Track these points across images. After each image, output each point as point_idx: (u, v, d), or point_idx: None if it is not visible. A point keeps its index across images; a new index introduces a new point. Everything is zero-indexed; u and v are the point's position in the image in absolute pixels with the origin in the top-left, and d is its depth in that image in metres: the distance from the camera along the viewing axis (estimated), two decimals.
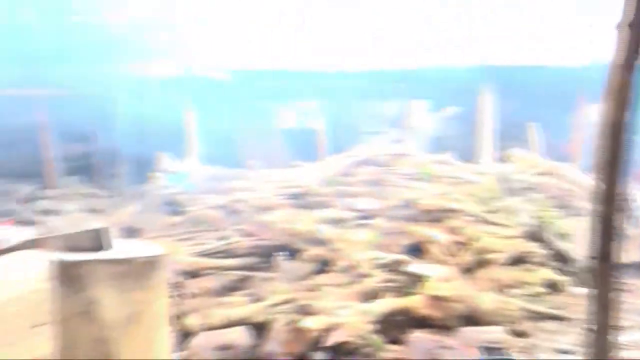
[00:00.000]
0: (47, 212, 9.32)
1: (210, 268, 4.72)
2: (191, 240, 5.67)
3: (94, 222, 9.28)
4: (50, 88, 8.97)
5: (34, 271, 4.94)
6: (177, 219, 6.36)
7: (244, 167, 8.08)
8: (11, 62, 7.38)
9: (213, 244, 5.23)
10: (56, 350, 2.52)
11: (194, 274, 4.63)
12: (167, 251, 2.65)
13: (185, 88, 9.71)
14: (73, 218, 9.47)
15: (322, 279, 4.06)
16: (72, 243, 2.55)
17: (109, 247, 2.54)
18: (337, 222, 4.95)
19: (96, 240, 2.55)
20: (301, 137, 12.18)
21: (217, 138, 9.77)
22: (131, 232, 6.26)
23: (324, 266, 4.33)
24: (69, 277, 2.38)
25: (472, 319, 3.41)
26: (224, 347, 3.23)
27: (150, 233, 5.88)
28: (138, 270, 2.37)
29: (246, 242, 4.98)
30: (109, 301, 2.34)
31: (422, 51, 9.76)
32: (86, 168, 10.69)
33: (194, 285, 4.39)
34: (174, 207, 6.65)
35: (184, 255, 4.91)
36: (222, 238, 5.38)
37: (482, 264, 4.28)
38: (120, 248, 2.58)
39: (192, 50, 9.74)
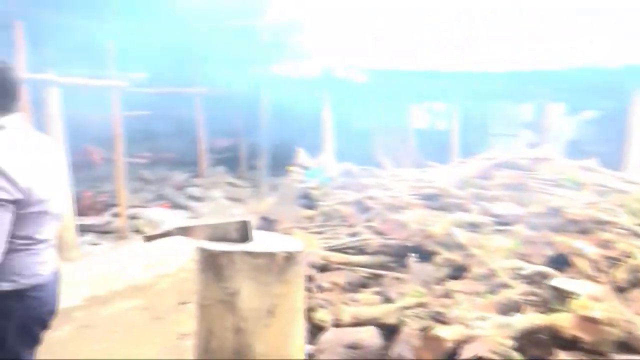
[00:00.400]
0: (196, 198, 10.24)
1: (341, 263, 4.78)
2: (323, 234, 5.81)
3: (235, 210, 9.99)
4: (205, 87, 9.80)
5: (185, 252, 5.41)
6: (310, 212, 6.57)
7: (377, 166, 8.10)
8: (173, 63, 8.18)
9: (344, 240, 5.30)
10: (196, 333, 2.70)
11: (324, 268, 4.72)
12: (303, 245, 2.72)
13: (324, 87, 9.98)
14: (217, 205, 10.28)
15: (455, 285, 3.89)
16: (219, 232, 2.72)
17: (252, 239, 2.68)
18: (473, 226, 4.72)
19: (241, 232, 2.70)
20: (432, 137, 11.93)
21: (352, 136, 9.91)
22: (268, 221, 6.58)
23: (458, 272, 4.15)
24: (212, 265, 2.54)
25: (629, 347, 3.02)
26: (353, 346, 3.24)
27: (285, 224, 6.15)
28: (278, 265, 2.46)
29: (377, 240, 4.96)
30: (249, 293, 2.46)
31: (563, 52, 8.97)
32: (231, 160, 11.55)
33: (324, 279, 4.48)
34: (308, 200, 6.88)
35: (316, 248, 5.02)
36: (353, 234, 5.43)
37: (637, 284, 3.79)
38: (262, 240, 2.70)
39: (331, 51, 9.98)
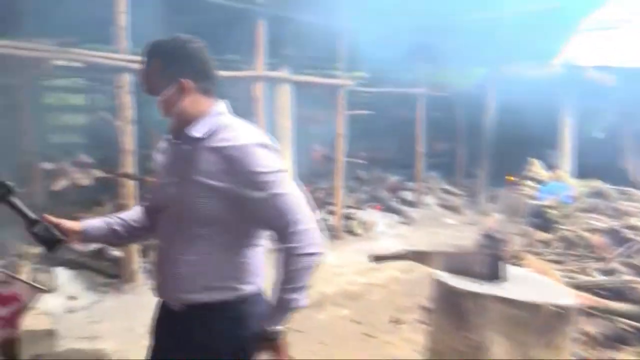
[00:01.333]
0: (408, 202, 9.86)
1: (592, 307, 3.84)
2: (562, 264, 4.85)
3: (449, 220, 9.32)
4: (429, 87, 9.35)
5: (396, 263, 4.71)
6: (545, 235, 5.63)
7: (632, 186, 6.63)
8: (399, 62, 7.90)
9: (596, 277, 4.30)
10: None
11: None
12: (575, 299, 2.03)
13: (564, 89, 8.60)
14: (430, 212, 9.75)
15: None
16: (460, 264, 2.20)
17: (504, 278, 2.10)
18: None
19: (489, 267, 2.13)
20: None
21: (598, 148, 8.36)
22: (492, 240, 5.83)
23: None
24: (453, 306, 2.01)
25: None
26: None
27: (514, 246, 5.34)
28: (543, 321, 1.83)
29: None
30: (500, 352, 1.87)
31: None
32: (447, 165, 10.87)
33: None
34: (542, 220, 5.92)
35: (557, 281, 4.14)
36: (607, 271, 4.39)
37: None
38: (518, 282, 2.09)
39: (575, 48, 8.58)
